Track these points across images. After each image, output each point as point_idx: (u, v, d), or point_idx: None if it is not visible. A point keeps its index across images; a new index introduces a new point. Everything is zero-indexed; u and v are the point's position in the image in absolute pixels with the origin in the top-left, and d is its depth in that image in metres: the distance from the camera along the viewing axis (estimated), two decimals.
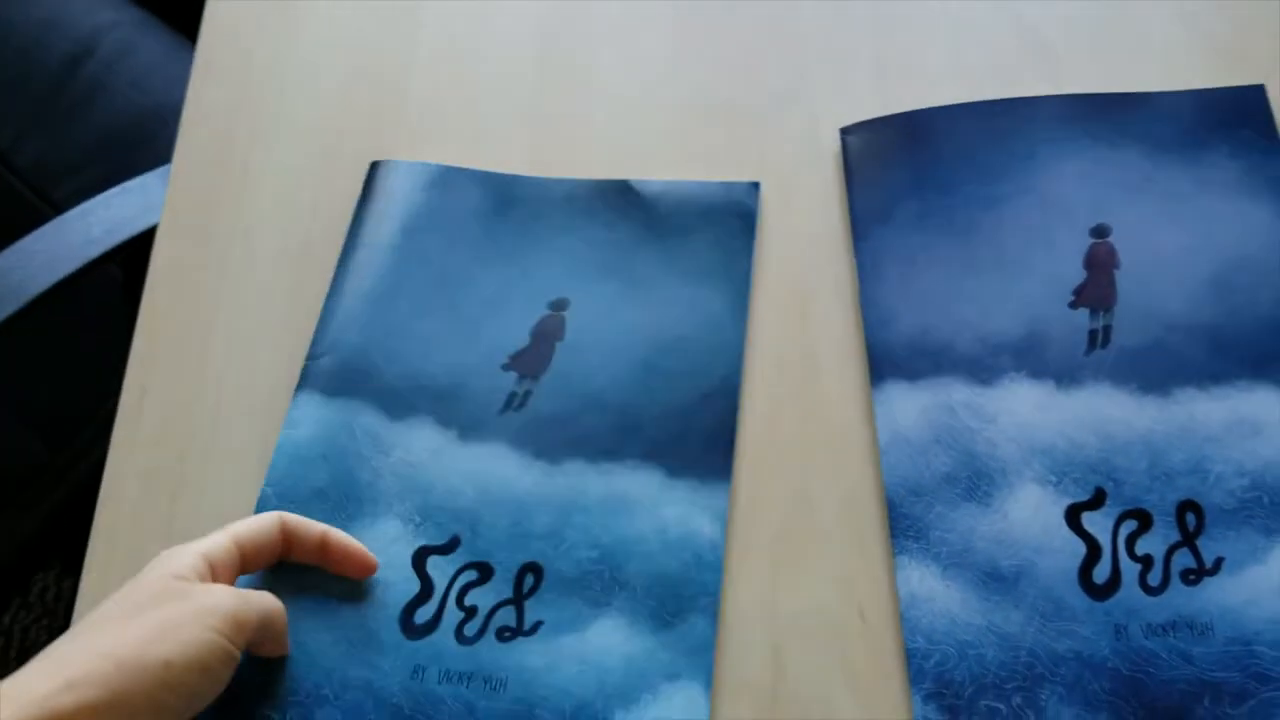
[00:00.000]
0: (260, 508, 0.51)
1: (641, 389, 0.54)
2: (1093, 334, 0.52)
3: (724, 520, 0.50)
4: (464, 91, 0.65)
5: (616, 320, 0.56)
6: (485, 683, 0.46)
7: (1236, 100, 0.58)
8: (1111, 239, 0.54)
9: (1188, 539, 0.47)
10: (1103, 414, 0.50)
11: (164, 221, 0.61)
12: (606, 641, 0.47)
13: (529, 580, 0.49)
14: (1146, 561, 0.47)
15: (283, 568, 0.49)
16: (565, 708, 0.46)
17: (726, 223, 0.58)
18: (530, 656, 0.47)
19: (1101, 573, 0.47)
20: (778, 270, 0.57)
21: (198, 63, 0.66)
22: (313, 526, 0.49)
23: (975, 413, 0.51)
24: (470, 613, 0.48)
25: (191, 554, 0.45)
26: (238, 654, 0.43)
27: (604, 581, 0.49)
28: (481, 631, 0.48)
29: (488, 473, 0.52)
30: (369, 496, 0.51)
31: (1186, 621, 0.46)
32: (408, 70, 0.66)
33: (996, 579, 0.47)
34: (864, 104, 0.61)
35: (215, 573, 0.45)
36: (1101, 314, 0.53)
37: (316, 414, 0.53)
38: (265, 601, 0.46)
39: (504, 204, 0.60)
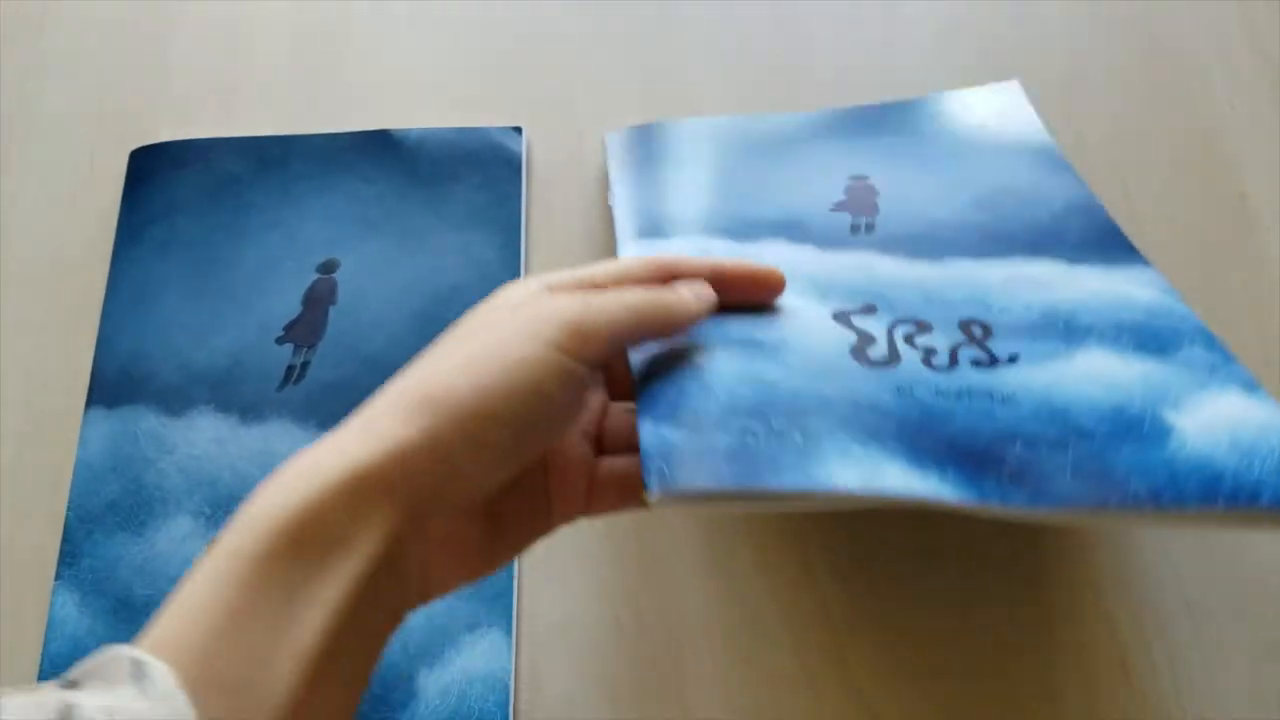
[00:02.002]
0: (66, 532, 0.50)
1: (420, 344, 0.53)
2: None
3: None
4: (224, 61, 0.63)
5: (389, 276, 0.55)
6: None
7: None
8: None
9: (975, 341, 0.44)
10: None
11: None
12: None
13: None
14: (929, 350, 0.43)
15: None
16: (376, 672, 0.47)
17: (492, 167, 0.57)
18: None
19: (878, 351, 0.43)
20: None
21: None
22: (699, 262, 0.42)
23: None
24: None
25: (534, 283, 0.39)
26: (582, 370, 0.36)
27: None
28: None
29: (272, 453, 0.51)
30: (159, 499, 0.51)
31: (984, 391, 0.41)
32: (165, 50, 0.63)
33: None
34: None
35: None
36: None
37: (102, 428, 0.52)
38: (619, 303, 0.38)
39: (261, 168, 0.58)
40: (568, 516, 0.40)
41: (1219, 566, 0.48)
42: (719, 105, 0.60)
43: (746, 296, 0.43)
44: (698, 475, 0.36)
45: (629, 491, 0.40)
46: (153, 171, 0.58)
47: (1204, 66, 0.60)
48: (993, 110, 0.57)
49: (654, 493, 0.36)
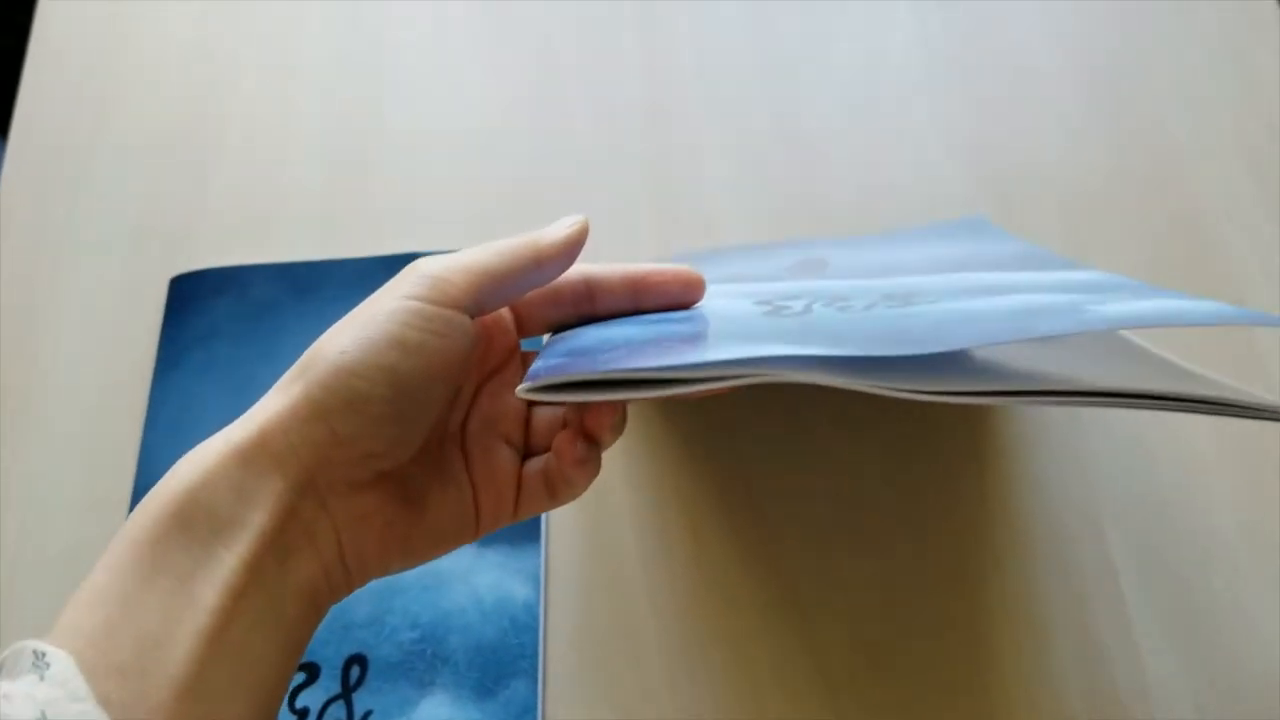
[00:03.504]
0: None
1: None
2: None
3: (538, 581, 0.52)
4: (260, 189, 0.66)
5: None
6: None
7: None
8: None
9: (895, 299, 0.42)
10: None
11: None
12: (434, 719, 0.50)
13: (355, 672, 0.51)
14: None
15: None
16: None
17: None
18: None
19: (791, 310, 0.42)
20: None
21: None
22: (614, 268, 0.42)
23: None
24: (302, 715, 0.50)
25: (418, 276, 0.38)
26: (448, 314, 0.37)
27: (427, 660, 0.51)
28: None
29: None
30: None
31: (894, 311, 0.41)
32: (204, 180, 0.66)
33: None
34: None
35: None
36: None
37: None
38: (483, 246, 0.39)
39: (296, 293, 0.61)
40: (496, 519, 0.41)
41: (1224, 676, 0.49)
42: (732, 228, 0.63)
43: (666, 299, 0.41)
44: (569, 367, 0.36)
45: (554, 486, 0.40)
46: (192, 297, 0.61)
47: (1205, 188, 0.62)
48: (959, 226, 0.59)
49: (523, 384, 0.36)
